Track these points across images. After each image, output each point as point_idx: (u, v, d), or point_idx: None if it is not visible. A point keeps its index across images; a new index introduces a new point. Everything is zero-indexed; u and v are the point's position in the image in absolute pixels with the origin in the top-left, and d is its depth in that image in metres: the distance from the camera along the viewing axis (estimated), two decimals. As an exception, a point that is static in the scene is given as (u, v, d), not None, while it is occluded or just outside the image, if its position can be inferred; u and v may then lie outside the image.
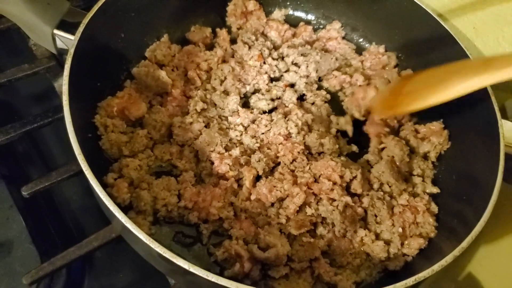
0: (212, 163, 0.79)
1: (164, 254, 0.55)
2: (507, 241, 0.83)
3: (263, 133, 0.85)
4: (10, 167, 0.90)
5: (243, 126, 0.85)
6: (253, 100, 0.90)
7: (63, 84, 0.68)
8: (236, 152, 0.79)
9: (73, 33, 0.74)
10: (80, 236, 0.87)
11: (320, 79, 0.97)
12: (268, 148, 0.83)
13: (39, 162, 0.96)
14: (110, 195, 0.71)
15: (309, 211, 0.75)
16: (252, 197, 0.75)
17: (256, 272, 0.70)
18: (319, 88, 0.96)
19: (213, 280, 0.55)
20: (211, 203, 0.73)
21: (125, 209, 0.73)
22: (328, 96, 0.94)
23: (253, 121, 0.86)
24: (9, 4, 0.72)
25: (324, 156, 0.82)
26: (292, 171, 0.79)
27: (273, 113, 0.88)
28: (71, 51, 0.71)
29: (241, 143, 0.83)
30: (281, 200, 0.76)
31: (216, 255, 0.70)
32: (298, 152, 0.80)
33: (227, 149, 0.81)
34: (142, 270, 0.84)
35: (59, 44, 0.78)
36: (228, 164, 0.77)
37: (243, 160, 0.79)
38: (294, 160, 0.81)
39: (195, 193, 0.74)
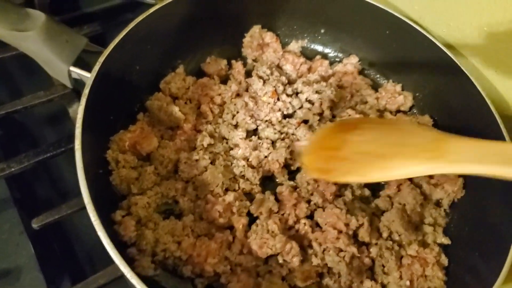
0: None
1: None
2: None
3: (265, 156, 0.84)
4: (22, 192, 0.91)
5: (246, 159, 0.84)
6: (261, 127, 0.90)
7: (77, 128, 0.68)
8: (230, 198, 0.78)
9: (89, 70, 0.74)
10: (88, 267, 0.89)
11: (334, 116, 0.96)
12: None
13: (51, 189, 0.97)
14: (117, 233, 0.72)
15: (315, 261, 0.74)
16: (245, 251, 0.74)
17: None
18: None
19: None
20: (206, 259, 0.71)
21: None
22: (342, 134, 0.92)
23: (255, 148, 0.86)
24: (29, 42, 0.73)
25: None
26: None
27: (278, 141, 0.88)
28: (86, 91, 0.71)
29: (244, 177, 0.83)
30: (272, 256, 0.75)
31: None
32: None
33: (228, 188, 0.80)
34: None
35: (74, 76, 0.78)
36: (218, 211, 0.76)
37: (235, 209, 0.78)
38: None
39: (191, 244, 0.73)
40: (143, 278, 0.64)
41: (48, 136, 1.02)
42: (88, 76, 0.73)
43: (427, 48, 0.91)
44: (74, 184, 0.95)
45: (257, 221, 0.77)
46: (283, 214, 0.79)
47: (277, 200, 0.81)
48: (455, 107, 0.90)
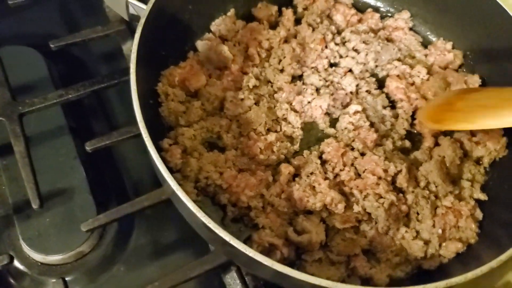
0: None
1: (209, 224, 0.59)
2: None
3: (309, 102, 0.86)
4: (77, 121, 0.98)
5: (289, 102, 0.86)
6: (306, 73, 0.91)
7: (132, 53, 0.72)
8: (271, 137, 0.80)
9: (145, 2, 0.77)
10: (133, 193, 0.95)
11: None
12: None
13: (103, 119, 1.03)
14: (164, 159, 0.77)
15: (356, 208, 0.76)
16: (283, 196, 0.76)
17: (292, 253, 0.73)
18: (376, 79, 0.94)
19: (250, 254, 0.59)
20: (244, 190, 0.75)
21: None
22: (384, 86, 0.92)
23: (299, 93, 0.87)
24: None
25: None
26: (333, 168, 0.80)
27: (322, 88, 0.89)
28: (142, 21, 0.74)
29: (286, 120, 0.85)
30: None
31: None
32: None
33: (270, 129, 0.83)
34: (185, 232, 0.89)
35: (131, 10, 0.82)
36: (260, 148, 0.79)
37: (276, 148, 0.81)
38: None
39: (232, 176, 0.76)
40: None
41: (103, 72, 1.07)
42: (144, 8, 0.76)
43: (487, 6, 0.88)
44: (124, 117, 1.03)
45: (301, 176, 0.80)
46: (329, 164, 0.81)
47: (320, 157, 0.83)
48: (509, 69, 0.87)
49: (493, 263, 0.62)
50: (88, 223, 0.77)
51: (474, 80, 0.90)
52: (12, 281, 0.83)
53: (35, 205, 0.78)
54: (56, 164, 0.90)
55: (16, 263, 0.82)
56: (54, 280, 0.81)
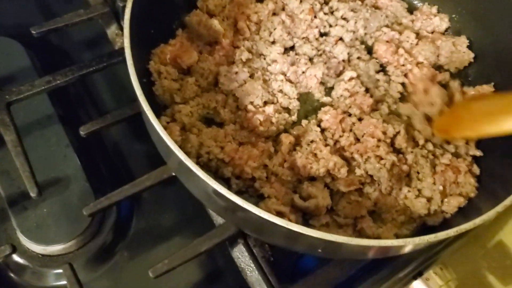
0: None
1: (220, 191, 0.58)
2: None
3: (303, 72, 0.86)
4: (65, 109, 0.95)
5: (283, 74, 0.87)
6: (298, 44, 0.91)
7: (124, 28, 0.70)
8: (269, 109, 0.81)
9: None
10: (129, 178, 0.93)
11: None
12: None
13: (90, 106, 1.01)
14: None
15: (358, 172, 0.77)
16: (286, 165, 0.77)
17: (300, 220, 0.74)
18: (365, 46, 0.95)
19: (264, 216, 0.57)
20: (247, 162, 0.75)
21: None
22: (375, 52, 0.93)
23: (293, 64, 0.88)
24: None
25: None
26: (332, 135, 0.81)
27: (315, 58, 0.90)
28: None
29: (282, 91, 0.85)
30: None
31: None
32: None
33: (267, 102, 0.83)
34: (185, 212, 0.89)
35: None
36: (259, 119, 0.79)
37: (275, 120, 0.81)
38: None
39: (234, 149, 0.76)
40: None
41: (87, 59, 1.04)
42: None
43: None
44: (112, 103, 1.01)
45: (301, 145, 0.80)
46: (328, 131, 0.82)
47: (318, 126, 0.83)
48: (495, 27, 0.89)
49: (499, 208, 0.64)
50: (90, 206, 0.76)
51: (462, 41, 0.92)
52: (12, 275, 0.81)
53: (33, 193, 0.75)
54: (48, 153, 0.88)
55: (16, 256, 0.80)
56: (59, 271, 0.79)
